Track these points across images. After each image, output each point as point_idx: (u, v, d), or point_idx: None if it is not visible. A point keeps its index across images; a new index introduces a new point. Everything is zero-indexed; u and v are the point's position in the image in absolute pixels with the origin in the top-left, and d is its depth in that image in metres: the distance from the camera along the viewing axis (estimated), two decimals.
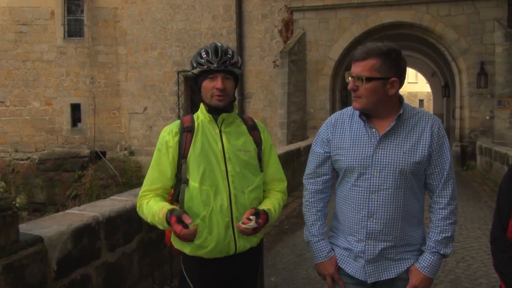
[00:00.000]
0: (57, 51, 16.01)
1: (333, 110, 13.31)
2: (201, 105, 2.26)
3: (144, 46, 15.74)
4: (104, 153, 16.08)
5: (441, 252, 2.07)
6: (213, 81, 2.15)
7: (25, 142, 16.27)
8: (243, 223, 2.09)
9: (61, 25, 15.98)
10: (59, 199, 15.15)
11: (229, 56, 2.16)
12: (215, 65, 2.12)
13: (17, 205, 13.93)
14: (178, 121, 2.29)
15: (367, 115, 2.10)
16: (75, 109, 16.21)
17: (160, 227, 2.13)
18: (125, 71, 16.00)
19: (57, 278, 2.65)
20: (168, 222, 2.04)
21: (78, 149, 16.06)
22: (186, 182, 2.16)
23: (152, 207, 2.15)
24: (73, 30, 16.14)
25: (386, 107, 2.05)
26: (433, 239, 2.08)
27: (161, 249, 3.87)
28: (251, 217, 2.09)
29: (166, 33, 15.50)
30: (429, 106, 34.97)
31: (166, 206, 2.11)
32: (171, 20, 15.40)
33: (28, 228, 2.66)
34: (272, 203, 2.26)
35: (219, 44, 2.19)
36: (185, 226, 1.99)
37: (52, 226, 2.74)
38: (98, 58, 15.97)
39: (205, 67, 2.14)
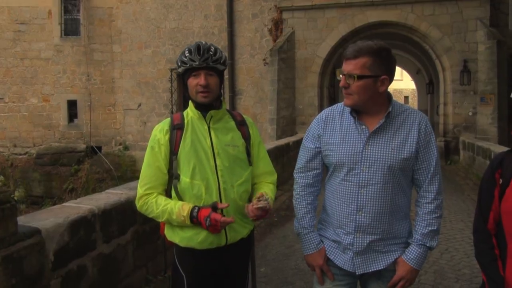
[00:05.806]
0: (54, 49, 16.15)
1: (321, 106, 13.46)
2: (190, 103, 2.31)
3: (138, 44, 15.85)
4: (99, 148, 16.22)
5: (427, 245, 2.11)
6: (196, 78, 2.21)
7: (23, 137, 16.43)
8: (254, 204, 2.13)
9: (58, 24, 16.11)
10: (56, 193, 15.27)
11: (211, 53, 2.20)
12: (197, 63, 2.18)
13: (15, 198, 14.02)
14: (168, 119, 2.33)
15: (357, 112, 2.13)
16: (72, 105, 16.34)
17: (174, 223, 2.21)
18: (120, 68, 16.13)
19: (54, 268, 2.71)
20: (193, 217, 2.13)
21: (75, 144, 16.19)
22: (178, 177, 2.21)
23: (166, 205, 2.20)
24: (70, 29, 16.25)
25: (376, 104, 2.09)
26: (419, 232, 2.11)
27: (155, 240, 3.93)
28: (262, 197, 2.15)
29: (160, 32, 15.60)
30: (414, 103, 34.83)
31: (185, 204, 2.18)
32: (165, 19, 15.52)
33: (26, 220, 2.71)
34: (266, 192, 2.28)
35: (202, 43, 2.24)
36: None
37: (50, 219, 2.79)
38: (93, 56, 16.10)
39: (188, 65, 2.20)
